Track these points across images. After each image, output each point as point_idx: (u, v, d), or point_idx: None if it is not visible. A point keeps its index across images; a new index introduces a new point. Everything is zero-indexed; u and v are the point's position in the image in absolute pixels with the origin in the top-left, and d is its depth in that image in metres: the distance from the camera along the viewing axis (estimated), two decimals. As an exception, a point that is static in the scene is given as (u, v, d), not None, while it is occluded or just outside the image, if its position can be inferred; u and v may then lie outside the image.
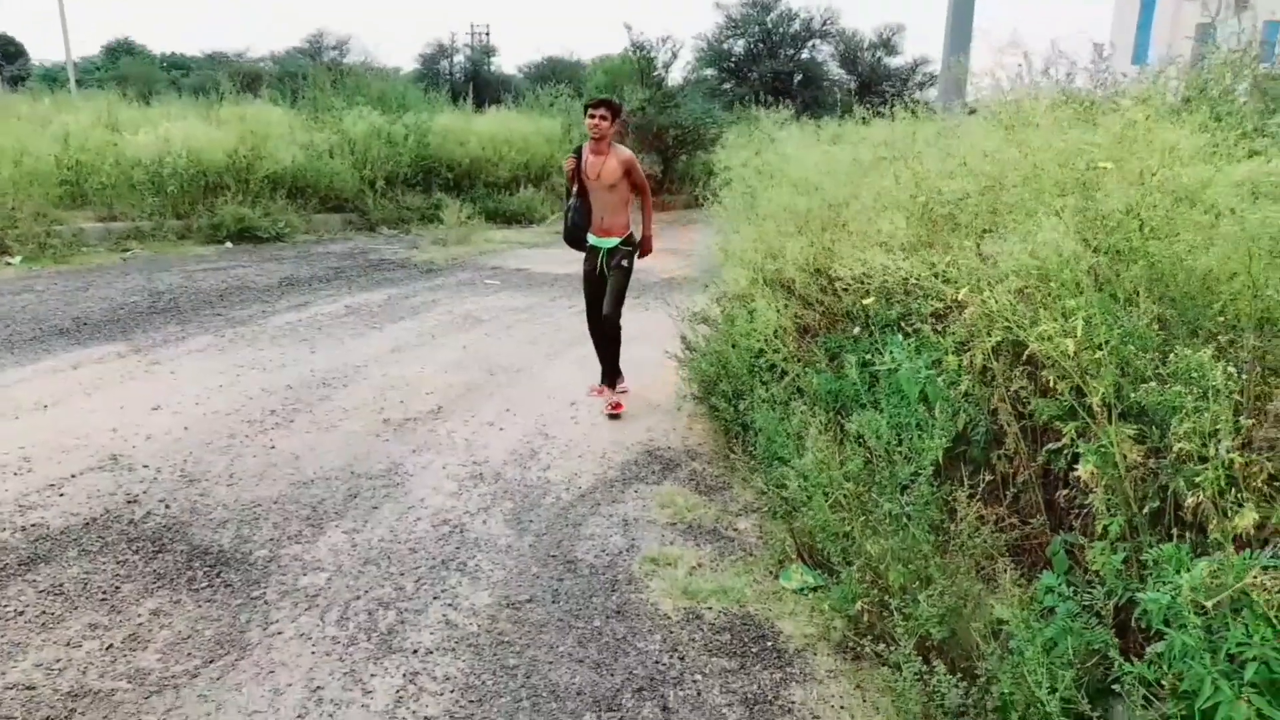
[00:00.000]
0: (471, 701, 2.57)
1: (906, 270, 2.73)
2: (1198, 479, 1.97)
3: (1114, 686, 1.99)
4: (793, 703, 2.62)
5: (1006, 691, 2.13)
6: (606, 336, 5.17)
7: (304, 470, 4.20)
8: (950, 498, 2.56)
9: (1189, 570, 1.81)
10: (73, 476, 4.01)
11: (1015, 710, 2.10)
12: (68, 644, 2.80)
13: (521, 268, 10.27)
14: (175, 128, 12.15)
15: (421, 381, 5.63)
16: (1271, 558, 1.78)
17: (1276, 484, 1.88)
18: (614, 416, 5.04)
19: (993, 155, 3.00)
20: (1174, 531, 2.10)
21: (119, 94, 18.19)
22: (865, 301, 3.00)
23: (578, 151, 5.07)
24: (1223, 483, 1.84)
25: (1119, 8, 51.04)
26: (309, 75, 17.23)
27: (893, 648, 2.47)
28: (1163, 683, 1.78)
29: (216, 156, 11.75)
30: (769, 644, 2.91)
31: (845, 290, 3.14)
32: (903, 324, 3.09)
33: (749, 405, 3.87)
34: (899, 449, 2.69)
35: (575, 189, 5.05)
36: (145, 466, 4.16)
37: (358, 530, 3.63)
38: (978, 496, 2.47)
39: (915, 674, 2.34)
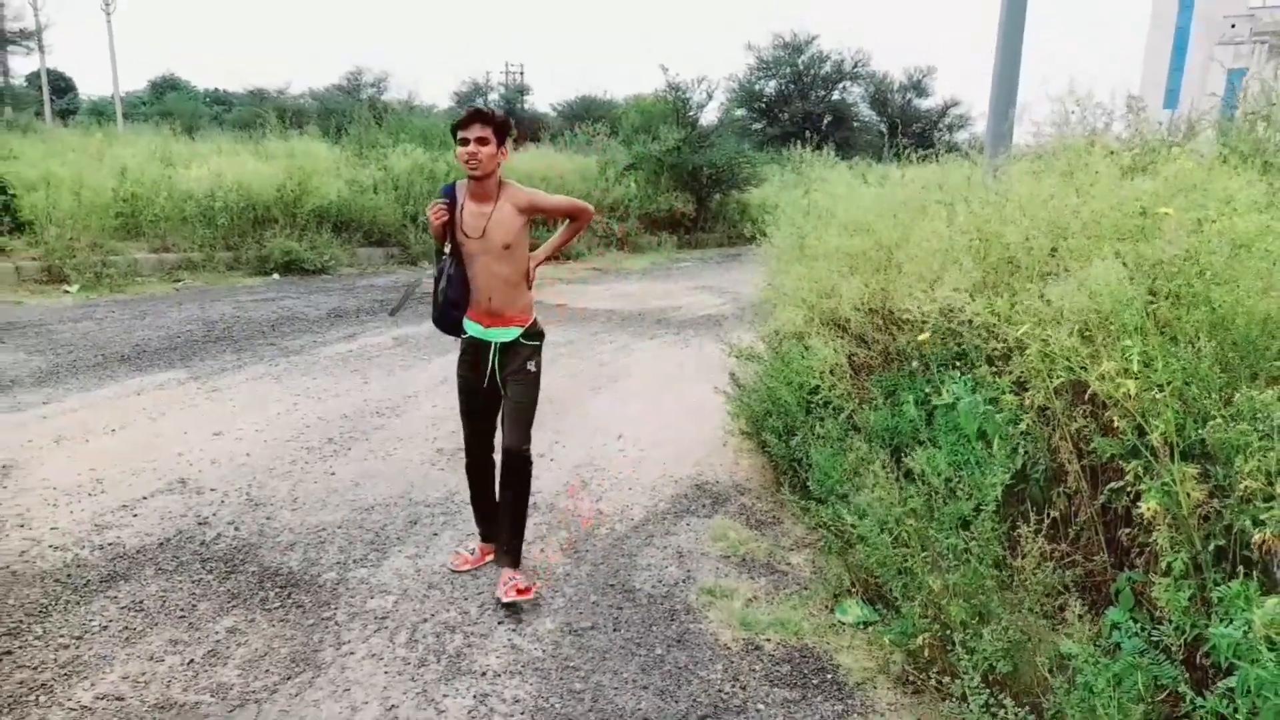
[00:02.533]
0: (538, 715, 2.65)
1: (971, 311, 2.82)
2: (1264, 516, 2.02)
3: (1184, 721, 2.03)
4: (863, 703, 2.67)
5: (1074, 712, 2.17)
6: (509, 481, 3.34)
7: (364, 497, 4.32)
8: (1012, 533, 2.62)
9: (1259, 606, 1.87)
10: (144, 498, 4.16)
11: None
12: (150, 658, 2.91)
13: (560, 303, 10.45)
14: (226, 162, 12.58)
15: (471, 412, 5.75)
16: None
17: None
18: (511, 606, 3.29)
19: (1049, 201, 3.09)
20: (1239, 569, 2.15)
21: (169, 129, 18.78)
22: (921, 337, 3.09)
23: (448, 192, 3.27)
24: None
25: (1149, 54, 51.14)
26: (353, 113, 17.69)
27: (955, 681, 2.52)
28: (1238, 717, 1.83)
29: (265, 190, 12.12)
30: (829, 676, 2.96)
31: (900, 328, 3.23)
32: (958, 363, 3.17)
33: (801, 441, 3.95)
34: (959, 485, 2.76)
35: (447, 249, 3.27)
36: (212, 490, 4.31)
37: (420, 556, 3.73)
38: (1040, 533, 2.52)
39: (982, 705, 2.39)
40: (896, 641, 2.95)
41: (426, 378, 6.57)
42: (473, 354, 3.38)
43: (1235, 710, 1.85)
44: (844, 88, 39.18)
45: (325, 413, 5.60)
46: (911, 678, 2.90)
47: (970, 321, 2.84)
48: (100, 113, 34.61)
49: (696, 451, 5.19)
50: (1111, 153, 3.73)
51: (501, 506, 3.43)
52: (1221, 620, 1.98)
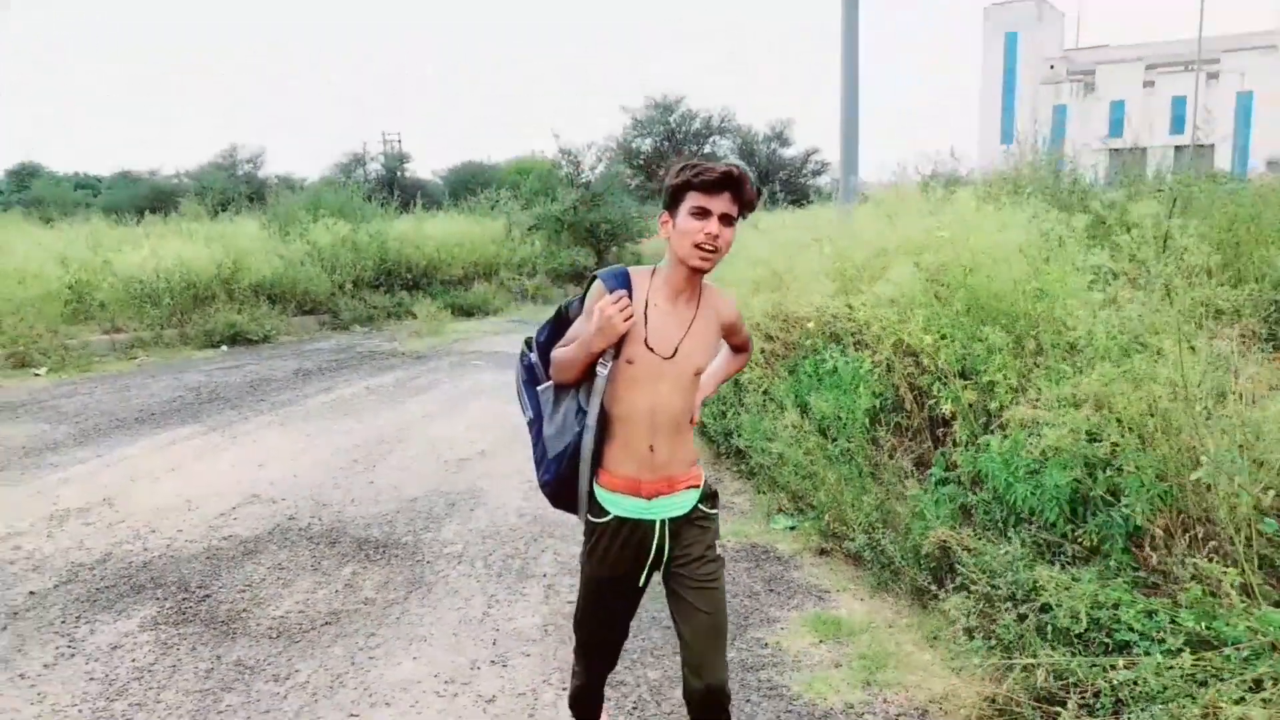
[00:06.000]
0: (593, 594, 4.05)
1: (833, 307, 4.46)
2: (1005, 401, 3.68)
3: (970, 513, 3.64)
4: (794, 578, 4.18)
5: (918, 536, 3.75)
6: None
7: (406, 493, 5.59)
8: (875, 440, 4.23)
9: (994, 443, 3.50)
10: (233, 509, 5.31)
11: (925, 542, 3.72)
12: (306, 592, 4.14)
13: (497, 350, 11.80)
14: (155, 246, 13.43)
15: (459, 435, 7.06)
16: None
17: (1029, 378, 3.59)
18: None
19: (879, 234, 4.80)
20: (993, 429, 3.80)
21: (38, 216, 19.08)
22: (808, 326, 4.71)
23: (622, 282, 2.14)
24: (1011, 388, 3.56)
25: (984, 96, 56.30)
26: (275, 194, 18.63)
27: (850, 542, 4.07)
28: (994, 503, 3.45)
29: (204, 269, 13.05)
30: (772, 554, 4.47)
31: (794, 326, 4.82)
32: (833, 342, 4.81)
33: (733, 415, 5.51)
34: (841, 415, 4.36)
35: (604, 368, 2.12)
36: (284, 500, 5.49)
37: (467, 523, 5.05)
38: (889, 432, 4.14)
39: (864, 543, 3.95)
40: (812, 528, 4.50)
41: (409, 415, 7.82)
42: (620, 543, 2.19)
43: (992, 498, 3.47)
44: (714, 142, 42.25)
45: (340, 444, 6.80)
46: (823, 549, 4.44)
47: (835, 315, 4.48)
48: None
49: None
50: (926, 188, 5.53)
51: None
52: (986, 456, 3.61)
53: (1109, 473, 3.00)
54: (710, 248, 2.07)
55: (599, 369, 2.13)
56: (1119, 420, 3.04)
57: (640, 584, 2.28)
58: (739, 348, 2.49)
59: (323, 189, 19.56)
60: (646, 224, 21.02)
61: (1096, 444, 3.04)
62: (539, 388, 2.28)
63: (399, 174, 47.28)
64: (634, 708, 3.10)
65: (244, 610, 3.93)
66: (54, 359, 10.44)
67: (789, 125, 42.09)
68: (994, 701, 2.82)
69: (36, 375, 10.03)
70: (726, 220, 2.08)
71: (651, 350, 2.12)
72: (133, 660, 3.45)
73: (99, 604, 3.97)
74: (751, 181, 2.11)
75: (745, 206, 2.12)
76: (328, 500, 5.46)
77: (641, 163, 40.70)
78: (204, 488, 5.70)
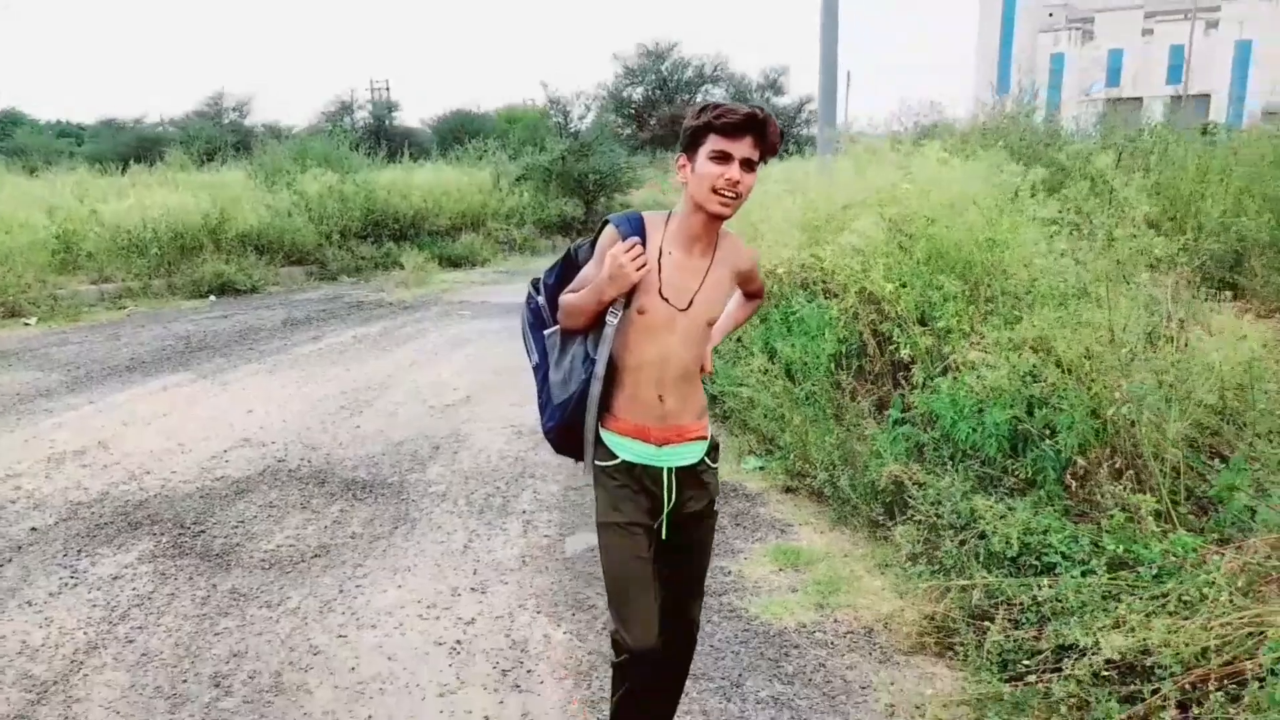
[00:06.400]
0: (566, 528, 4.27)
1: (802, 258, 4.62)
2: (959, 345, 3.87)
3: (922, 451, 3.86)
4: (759, 513, 4.41)
5: (874, 473, 3.97)
6: (678, 657, 2.34)
7: (392, 437, 5.79)
8: (839, 382, 4.43)
9: (944, 386, 3.70)
10: (225, 452, 5.50)
11: (879, 478, 3.94)
12: (296, 528, 4.35)
13: (483, 300, 11.93)
14: (151, 195, 13.42)
15: (444, 382, 7.25)
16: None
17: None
18: None
19: (848, 186, 4.95)
20: (949, 374, 4.00)
21: (20, 165, 18.99)
22: (779, 271, 4.87)
23: (635, 227, 2.06)
24: (964, 333, 3.75)
25: (981, 44, 55.63)
26: (261, 143, 18.51)
27: (813, 480, 4.29)
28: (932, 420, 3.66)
29: (191, 219, 13.07)
30: (741, 491, 4.70)
31: (768, 275, 4.98)
32: (802, 289, 4.98)
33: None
34: (807, 359, 4.56)
35: (613, 316, 2.07)
36: (273, 443, 5.68)
37: (451, 465, 5.26)
38: (851, 376, 4.34)
39: (825, 479, 4.17)
40: (778, 468, 4.72)
41: (395, 363, 7.99)
42: (630, 488, 2.13)
43: (941, 436, 3.68)
44: (706, 90, 41.77)
45: (328, 391, 6.97)
46: (789, 487, 4.67)
47: (804, 265, 4.64)
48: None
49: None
50: (897, 142, 5.65)
51: (663, 694, 2.33)
52: (936, 397, 3.81)
53: (1045, 411, 3.21)
54: (731, 194, 1.96)
55: (609, 318, 2.05)
56: (1058, 362, 3.24)
57: (659, 533, 2.15)
58: (752, 295, 2.42)
59: (309, 138, 19.43)
60: (636, 174, 20.99)
61: (1036, 384, 3.24)
62: (545, 332, 2.22)
63: (387, 122, 46.62)
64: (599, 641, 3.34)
65: (237, 544, 4.14)
66: (43, 309, 10.53)
67: (784, 73, 41.55)
68: (933, 619, 3.07)
69: (26, 325, 10.13)
70: (748, 165, 1.96)
71: (666, 301, 2.04)
72: (133, 589, 3.67)
73: (98, 539, 4.17)
74: (776, 124, 1.98)
75: (768, 151, 2.00)
76: (316, 443, 5.66)
77: (632, 112, 40.33)
78: (195, 432, 5.88)
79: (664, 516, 2.16)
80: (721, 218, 2.03)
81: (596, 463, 2.15)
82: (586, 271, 2.12)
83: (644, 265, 1.99)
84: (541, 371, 2.21)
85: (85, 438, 5.71)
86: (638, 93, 40.63)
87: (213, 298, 12.25)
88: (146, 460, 5.31)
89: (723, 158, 1.95)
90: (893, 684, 2.90)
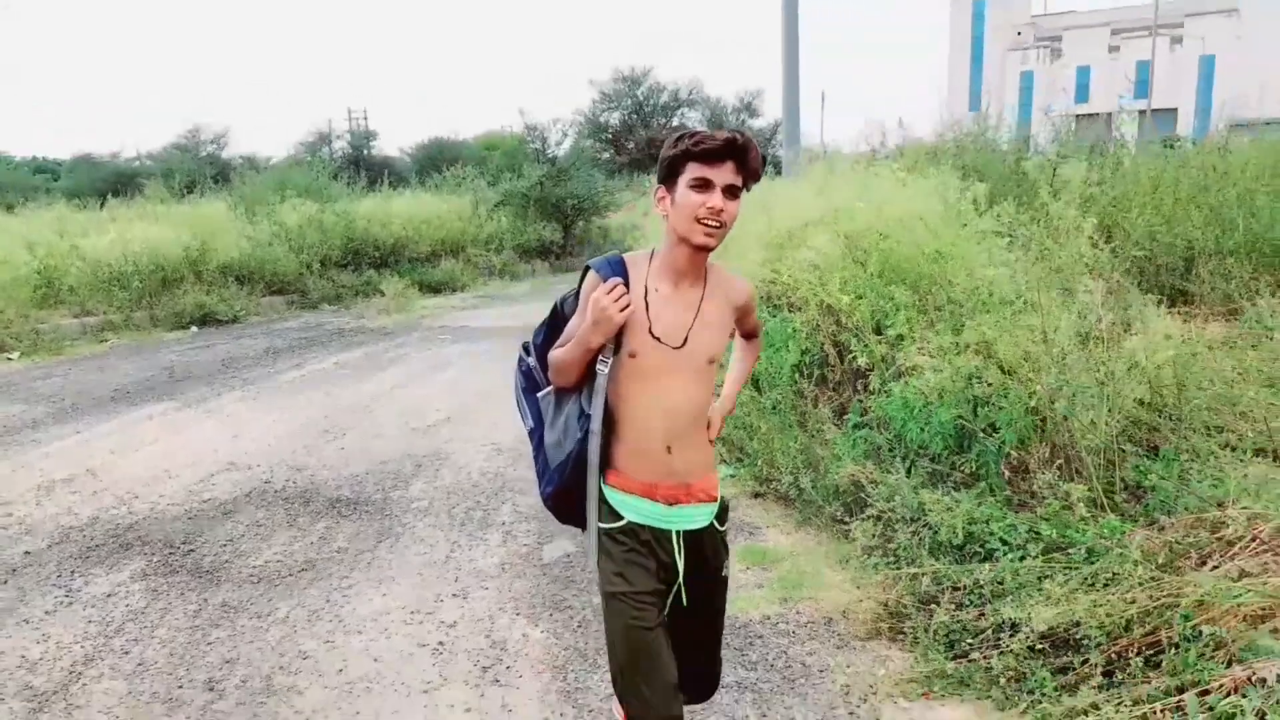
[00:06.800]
0: (545, 536, 4.45)
1: (763, 274, 4.86)
2: (910, 350, 4.11)
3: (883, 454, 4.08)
4: (730, 518, 4.60)
5: (835, 474, 4.18)
6: (697, 698, 2.27)
7: (375, 456, 5.95)
8: (802, 391, 4.65)
9: (899, 388, 3.93)
10: (211, 476, 5.65)
11: (839, 479, 4.15)
12: (284, 544, 4.50)
13: (463, 325, 12.12)
14: (131, 229, 13.55)
15: (427, 404, 7.42)
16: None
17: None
18: None
19: (809, 204, 5.20)
20: (905, 381, 4.23)
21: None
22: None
23: (616, 269, 1.96)
24: (914, 340, 3.99)
25: (952, 63, 56.65)
26: (240, 175, 18.67)
27: (779, 483, 4.50)
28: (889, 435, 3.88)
29: (171, 252, 13.20)
30: (711, 498, 4.89)
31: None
32: (767, 303, 5.22)
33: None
34: (772, 372, 4.78)
35: (604, 363, 1.96)
36: (259, 466, 5.82)
37: (433, 482, 5.43)
38: (814, 384, 4.56)
39: (790, 482, 4.38)
40: (747, 474, 4.93)
41: (378, 387, 8.15)
42: (644, 551, 2.00)
43: (893, 436, 3.90)
44: (682, 114, 42.39)
45: (311, 416, 7.12)
46: (758, 493, 4.87)
47: (766, 280, 4.88)
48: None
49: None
50: (856, 165, 5.92)
51: None
52: (889, 400, 4.03)
53: (987, 409, 3.44)
54: (715, 223, 1.84)
55: (599, 366, 1.93)
56: (999, 365, 3.47)
57: (676, 596, 2.02)
58: (750, 334, 2.27)
59: (289, 169, 19.61)
60: (614, 197, 21.29)
61: (979, 385, 3.47)
62: (539, 394, 2.10)
63: (365, 151, 46.85)
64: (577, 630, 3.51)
65: (226, 561, 4.29)
66: (26, 343, 10.62)
67: (758, 96, 42.26)
68: (887, 606, 3.27)
69: (9, 359, 10.21)
70: (731, 192, 1.86)
71: (658, 340, 1.91)
72: (127, 605, 3.81)
73: (91, 560, 4.31)
74: (757, 149, 1.87)
75: (750, 177, 1.88)
76: (301, 465, 5.81)
77: (609, 136, 40.83)
78: (182, 458, 6.02)
79: (679, 584, 2.02)
80: (707, 249, 1.90)
81: (600, 525, 1.99)
82: (572, 324, 2.02)
83: (627, 305, 1.88)
84: (537, 436, 2.09)
85: (74, 466, 5.84)
86: (614, 118, 41.20)
87: (195, 328, 12.36)
88: (135, 486, 5.44)
89: (704, 185, 1.84)
90: (849, 667, 3.09)
